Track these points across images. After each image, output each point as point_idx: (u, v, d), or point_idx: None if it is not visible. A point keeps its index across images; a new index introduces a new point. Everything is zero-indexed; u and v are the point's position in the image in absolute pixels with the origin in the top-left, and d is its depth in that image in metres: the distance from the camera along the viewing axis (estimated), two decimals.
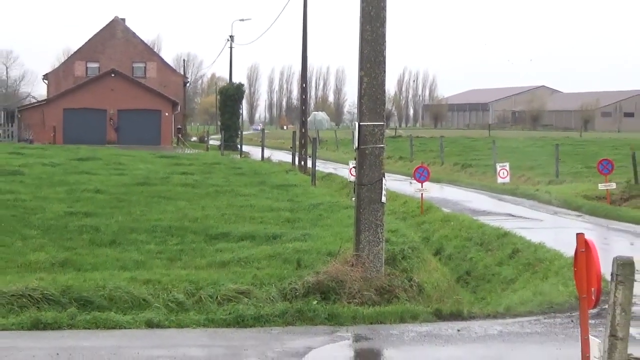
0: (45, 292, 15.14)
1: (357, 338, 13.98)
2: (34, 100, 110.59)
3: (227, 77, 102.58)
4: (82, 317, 14.29)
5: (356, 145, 17.36)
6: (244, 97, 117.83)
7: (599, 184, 36.25)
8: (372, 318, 14.95)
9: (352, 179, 23.23)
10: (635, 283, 7.50)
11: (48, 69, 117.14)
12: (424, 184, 32.50)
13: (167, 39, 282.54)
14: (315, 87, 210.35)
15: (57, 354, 12.32)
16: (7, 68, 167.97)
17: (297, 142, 54.62)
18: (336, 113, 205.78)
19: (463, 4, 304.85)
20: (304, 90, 59.92)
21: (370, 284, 16.61)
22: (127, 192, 30.07)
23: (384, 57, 17.24)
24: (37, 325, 13.97)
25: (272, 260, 18.25)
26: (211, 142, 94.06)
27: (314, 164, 43.57)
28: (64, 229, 21.85)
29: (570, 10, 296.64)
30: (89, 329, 13.93)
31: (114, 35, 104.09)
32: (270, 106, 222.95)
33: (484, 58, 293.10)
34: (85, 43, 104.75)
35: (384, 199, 17.35)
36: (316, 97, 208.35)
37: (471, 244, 25.59)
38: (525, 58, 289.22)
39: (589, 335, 8.07)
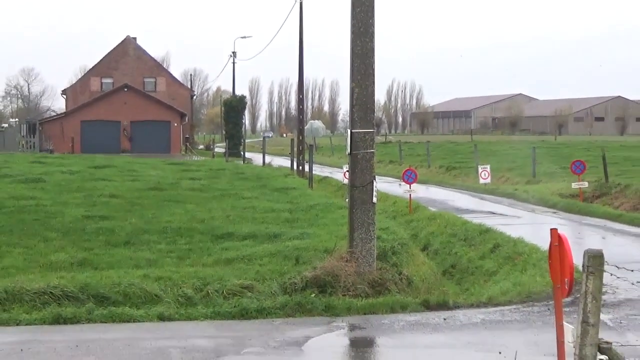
0: (65, 289, 15.15)
1: (352, 327, 13.99)
2: (54, 114, 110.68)
3: (231, 89, 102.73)
4: (99, 312, 14.31)
5: (349, 150, 17.38)
6: (246, 108, 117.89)
7: (573, 183, 36.32)
8: (365, 309, 14.97)
9: (346, 181, 23.23)
10: (604, 274, 7.51)
11: (66, 85, 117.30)
12: (412, 185, 32.54)
13: (175, 55, 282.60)
14: (312, 97, 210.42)
15: (77, 345, 12.32)
16: (28, 84, 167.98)
17: (295, 149, 54.62)
18: (331, 121, 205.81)
19: (446, 20, 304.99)
20: (300, 101, 60.12)
21: (363, 277, 16.61)
22: (140, 197, 30.01)
23: (373, 70, 17.26)
24: (58, 320, 13.98)
25: (273, 257, 18.24)
26: (217, 149, 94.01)
27: (310, 169, 43.59)
28: (82, 231, 21.81)
29: (544, 23, 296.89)
30: (106, 322, 13.95)
31: (127, 52, 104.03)
32: (270, 116, 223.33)
33: (466, 69, 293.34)
34: (100, 60, 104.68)
35: (375, 199, 17.35)
36: (312, 107, 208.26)
37: (456, 239, 25.60)
38: (503, 68, 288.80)
39: (564, 322, 8.08)
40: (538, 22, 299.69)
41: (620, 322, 13.59)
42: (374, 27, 17.20)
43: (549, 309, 14.59)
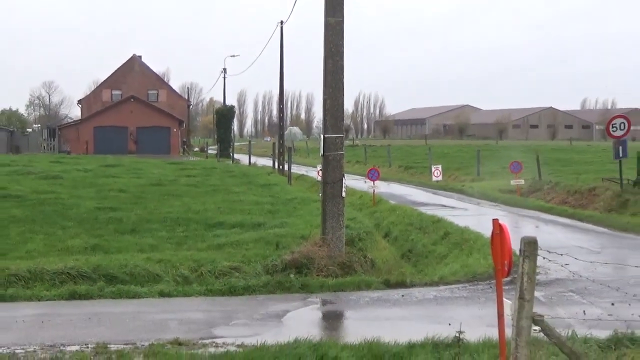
0: (80, 270, 15.10)
1: (324, 302, 13.99)
2: (71, 120, 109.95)
3: (222, 100, 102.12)
4: (109, 289, 14.27)
5: (322, 152, 17.38)
6: (235, 116, 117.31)
7: (511, 181, 36.43)
8: (335, 287, 14.98)
9: (319, 178, 23.22)
10: (538, 257, 7.53)
11: (81, 96, 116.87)
12: (375, 182, 32.55)
13: (174, 71, 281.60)
14: (291, 107, 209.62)
15: (89, 318, 12.26)
16: (49, 95, 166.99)
17: (277, 151, 54.55)
18: (307, 127, 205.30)
19: (405, 38, 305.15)
20: (281, 110, 60.18)
21: (334, 260, 16.62)
22: (144, 191, 29.92)
23: (343, 84, 17.26)
24: (74, 296, 13.93)
25: (257, 243, 18.23)
26: (210, 151, 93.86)
27: (289, 168, 43.57)
28: (95, 221, 21.73)
29: (488, 43, 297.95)
30: (114, 298, 13.90)
31: (133, 68, 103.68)
32: (255, 122, 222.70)
33: (421, 82, 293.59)
34: (111, 75, 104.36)
35: (344, 194, 17.36)
36: (291, 115, 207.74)
37: (412, 228, 25.61)
38: (453, 81, 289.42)
39: (503, 298, 8.08)
40: (483, 42, 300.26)
41: (551, 298, 13.65)
42: (343, 47, 17.20)
43: (491, 287, 14.63)
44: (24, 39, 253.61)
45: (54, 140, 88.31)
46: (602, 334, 9.58)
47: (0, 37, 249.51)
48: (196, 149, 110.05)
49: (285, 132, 68.54)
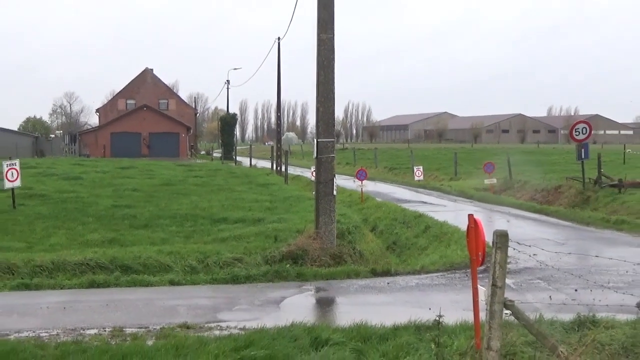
0: (98, 261, 15.07)
1: (317, 289, 13.97)
2: (90, 127, 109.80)
3: (226, 108, 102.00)
4: (124, 279, 14.23)
5: (315, 155, 17.39)
6: (237, 122, 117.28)
7: (485, 180, 36.50)
8: (327, 276, 14.96)
9: (313, 178, 23.24)
10: (509, 248, 7.54)
11: (99, 105, 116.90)
12: (363, 181, 32.61)
13: (183, 82, 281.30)
14: (287, 114, 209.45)
15: (107, 304, 12.24)
16: (70, 104, 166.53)
17: (275, 154, 54.54)
18: (302, 133, 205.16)
19: (390, 53, 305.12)
20: (279, 117, 60.05)
21: (326, 252, 16.63)
22: (155, 191, 29.88)
23: (334, 94, 17.26)
24: (93, 285, 13.90)
25: (258, 236, 18.21)
26: (215, 154, 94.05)
27: (286, 169, 43.60)
28: (111, 217, 21.70)
29: (464, 58, 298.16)
30: (129, 286, 13.87)
31: (145, 80, 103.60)
32: (256, 128, 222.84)
33: (404, 92, 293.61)
34: (125, 86, 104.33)
35: (335, 192, 17.37)
36: (287, 122, 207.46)
37: (396, 222, 25.64)
38: (433, 91, 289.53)
39: (478, 285, 8.10)
40: (461, 57, 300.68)
41: (521, 285, 13.66)
42: (334, 61, 17.20)
43: (466, 275, 14.65)
44: (49, 54, 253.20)
45: (74, 145, 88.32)
46: (567, 317, 9.60)
47: (29, 54, 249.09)
48: (202, 152, 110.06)
49: (283, 137, 68.55)
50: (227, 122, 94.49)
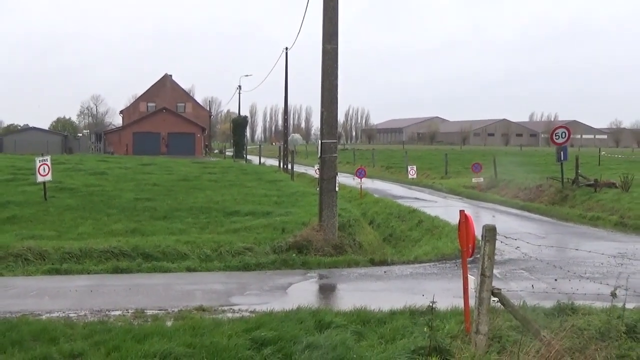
0: (122, 249, 15.08)
1: (321, 277, 13.97)
2: (114, 127, 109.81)
3: (237, 111, 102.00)
4: (145, 265, 14.25)
5: (319, 155, 17.36)
6: (248, 124, 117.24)
7: (472, 178, 36.52)
8: (330, 264, 14.96)
9: (317, 176, 23.23)
10: (496, 241, 7.54)
11: (122, 107, 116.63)
12: (362, 179, 32.60)
13: (199, 87, 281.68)
14: (293, 117, 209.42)
15: (130, 288, 12.24)
16: (96, 106, 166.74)
17: (282, 153, 54.56)
18: (306, 134, 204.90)
19: (389, 61, 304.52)
20: (286, 120, 60.23)
21: (329, 242, 16.62)
22: (174, 185, 29.86)
23: (337, 99, 17.24)
24: (117, 270, 13.91)
25: (266, 228, 18.21)
26: (227, 153, 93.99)
27: (292, 167, 43.57)
28: (134, 209, 21.70)
29: (454, 69, 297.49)
30: (150, 272, 13.88)
31: (164, 85, 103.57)
32: (264, 130, 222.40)
33: (399, 98, 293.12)
34: (146, 90, 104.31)
35: (337, 188, 17.35)
36: (293, 124, 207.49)
37: (392, 217, 25.64)
38: (422, 97, 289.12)
39: (468, 274, 8.09)
40: (451, 68, 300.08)
41: (506, 275, 13.64)
42: (337, 69, 17.17)
43: (457, 265, 14.65)
44: (83, 61, 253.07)
45: (100, 143, 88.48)
46: (548, 304, 9.58)
47: (66, 60, 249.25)
48: (216, 151, 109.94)
49: (289, 138, 68.48)
50: (239, 123, 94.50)
